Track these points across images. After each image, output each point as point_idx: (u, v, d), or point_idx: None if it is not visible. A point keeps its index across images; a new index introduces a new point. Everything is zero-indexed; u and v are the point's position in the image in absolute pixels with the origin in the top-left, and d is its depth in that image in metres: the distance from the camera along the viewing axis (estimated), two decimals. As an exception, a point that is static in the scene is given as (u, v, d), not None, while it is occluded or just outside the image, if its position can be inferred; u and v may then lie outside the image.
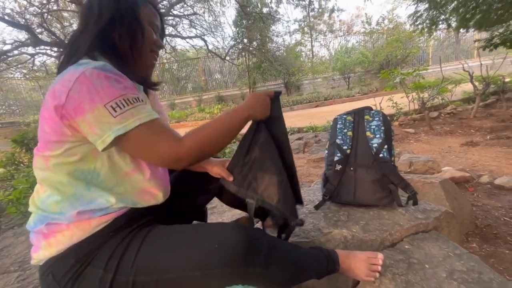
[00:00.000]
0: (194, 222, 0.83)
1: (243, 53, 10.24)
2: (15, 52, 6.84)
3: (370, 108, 0.99)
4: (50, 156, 0.54)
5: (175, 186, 0.76)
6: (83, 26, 0.61)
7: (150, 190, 0.63)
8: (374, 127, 0.93)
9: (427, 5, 4.99)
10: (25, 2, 6.04)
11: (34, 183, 1.49)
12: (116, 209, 0.59)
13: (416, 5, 5.28)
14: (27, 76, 10.25)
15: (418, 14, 5.23)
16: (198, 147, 0.56)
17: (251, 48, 9.80)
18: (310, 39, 13.23)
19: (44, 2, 6.21)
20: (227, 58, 9.69)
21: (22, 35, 7.10)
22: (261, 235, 0.60)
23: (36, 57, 7.69)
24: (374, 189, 0.89)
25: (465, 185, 1.77)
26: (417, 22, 5.30)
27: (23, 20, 6.24)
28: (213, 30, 9.13)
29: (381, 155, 0.89)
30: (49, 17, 6.29)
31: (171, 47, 9.82)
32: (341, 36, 13.85)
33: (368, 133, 0.93)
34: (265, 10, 9.25)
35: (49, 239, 0.55)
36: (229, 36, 9.95)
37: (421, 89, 4.00)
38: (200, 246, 0.55)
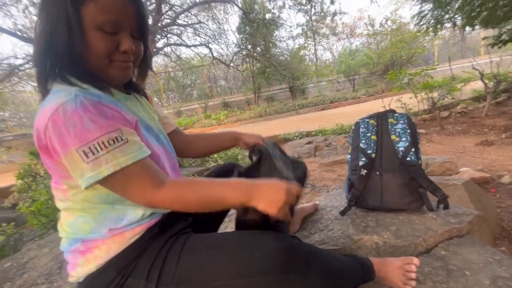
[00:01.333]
0: (223, 227, 0.83)
1: (247, 59, 10.32)
2: (26, 66, 7.02)
3: (393, 111, 0.98)
4: (65, 189, 0.54)
5: None
6: (37, 32, 0.53)
7: None
8: (399, 130, 0.91)
9: (431, 5, 4.97)
10: (35, 18, 6.23)
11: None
12: (147, 219, 0.59)
13: (420, 6, 5.27)
14: (37, 89, 10.47)
15: (423, 14, 5.21)
16: (172, 204, 0.53)
17: (255, 54, 9.88)
18: (313, 43, 13.27)
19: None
20: (232, 64, 9.78)
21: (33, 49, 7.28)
22: (299, 242, 0.60)
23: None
24: (403, 193, 0.87)
25: (486, 186, 1.73)
26: (422, 22, 5.28)
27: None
28: (217, 37, 9.27)
29: (408, 158, 0.87)
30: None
31: (176, 56, 9.97)
32: (344, 38, 13.86)
33: (393, 137, 0.91)
34: (268, 16, 9.34)
35: (86, 255, 0.55)
36: (233, 43, 10.06)
37: (430, 89, 3.95)
38: (241, 254, 0.54)
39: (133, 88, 0.67)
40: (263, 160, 0.71)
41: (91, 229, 0.55)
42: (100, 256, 0.55)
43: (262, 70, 10.35)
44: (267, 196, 0.52)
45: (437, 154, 2.62)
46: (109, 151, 0.46)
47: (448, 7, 4.64)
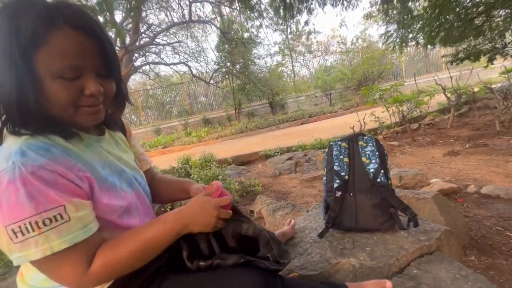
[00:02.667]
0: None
1: (227, 76, 10.49)
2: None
3: (363, 134, 1.03)
4: None
5: None
6: None
7: None
8: (369, 152, 0.96)
9: (396, 26, 5.41)
10: None
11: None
12: None
13: (386, 26, 5.71)
14: None
15: (389, 34, 5.65)
16: (106, 279, 0.50)
17: (234, 71, 10.07)
18: (290, 60, 13.79)
19: None
20: (211, 81, 9.87)
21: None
22: (274, 276, 0.60)
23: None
24: (375, 213, 0.91)
25: (454, 196, 1.83)
26: (388, 41, 5.71)
27: None
28: (196, 55, 9.38)
29: (378, 179, 0.91)
30: None
31: (155, 74, 9.92)
32: (319, 56, 14.58)
33: (364, 159, 0.96)
34: (246, 35, 9.64)
35: None
36: (213, 61, 10.24)
37: (400, 103, 4.22)
38: None
39: (107, 124, 0.64)
40: None
41: (51, 284, 0.51)
42: None
43: (242, 87, 10.53)
44: (199, 218, 0.54)
45: (409, 165, 2.76)
46: (42, 232, 0.41)
47: (410, 28, 5.07)
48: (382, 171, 0.92)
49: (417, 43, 5.28)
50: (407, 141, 3.69)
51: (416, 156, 3.07)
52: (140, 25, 6.12)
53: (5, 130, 0.47)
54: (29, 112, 0.45)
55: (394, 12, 5.21)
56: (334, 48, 16.28)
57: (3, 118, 0.47)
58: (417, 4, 5.33)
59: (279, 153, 4.02)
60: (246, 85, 10.35)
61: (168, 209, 2.02)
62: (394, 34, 5.54)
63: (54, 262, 0.44)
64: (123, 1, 5.33)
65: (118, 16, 5.17)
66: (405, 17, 4.82)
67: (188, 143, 8.19)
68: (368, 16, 5.69)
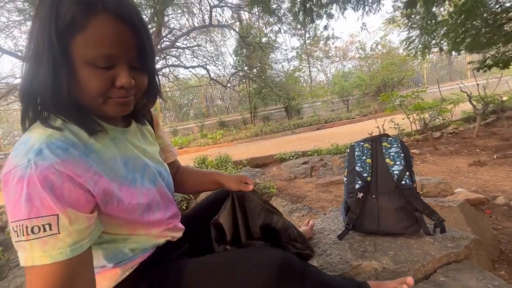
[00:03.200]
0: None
1: (244, 80, 10.59)
2: (24, 85, 7.09)
3: (387, 135, 1.01)
4: None
5: (195, 215, 0.76)
6: (25, 66, 0.46)
7: (165, 235, 0.62)
8: (393, 153, 0.94)
9: (418, 31, 5.27)
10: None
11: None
12: (140, 254, 0.57)
13: (408, 31, 5.58)
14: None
15: (411, 39, 5.51)
16: None
17: (251, 75, 10.16)
18: (307, 65, 13.74)
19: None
20: (229, 85, 10.00)
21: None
22: (293, 256, 0.59)
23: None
24: (399, 217, 0.88)
25: (481, 208, 1.74)
26: (410, 47, 5.57)
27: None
28: (214, 59, 9.55)
29: (403, 182, 0.89)
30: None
31: (174, 77, 10.18)
32: (337, 61, 14.41)
33: (387, 160, 0.93)
34: (264, 39, 9.73)
35: None
36: (230, 64, 10.36)
37: (422, 110, 4.08)
38: (239, 272, 0.54)
39: (135, 116, 0.63)
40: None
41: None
42: None
43: (258, 91, 10.60)
44: None
45: (431, 174, 2.65)
46: (29, 239, 0.39)
47: (434, 34, 4.92)
48: (407, 173, 0.89)
49: (441, 50, 5.10)
50: (428, 150, 3.55)
51: (439, 165, 2.94)
52: (162, 29, 6.34)
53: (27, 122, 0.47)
54: (61, 97, 0.45)
55: (417, 17, 5.08)
56: (352, 53, 16.06)
57: (38, 105, 0.47)
58: (442, 9, 5.18)
59: (294, 157, 3.99)
60: (262, 89, 10.40)
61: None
62: (416, 40, 5.40)
63: (31, 275, 0.40)
64: (148, 7, 5.56)
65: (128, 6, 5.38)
66: (429, 22, 4.68)
67: (204, 145, 8.32)
68: (390, 21, 5.57)
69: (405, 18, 4.80)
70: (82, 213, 0.43)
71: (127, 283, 0.54)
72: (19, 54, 5.91)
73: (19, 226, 0.39)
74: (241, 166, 3.46)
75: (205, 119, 11.59)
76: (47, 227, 0.39)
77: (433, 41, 5.10)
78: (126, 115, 0.57)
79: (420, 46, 5.37)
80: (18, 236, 0.39)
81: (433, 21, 4.62)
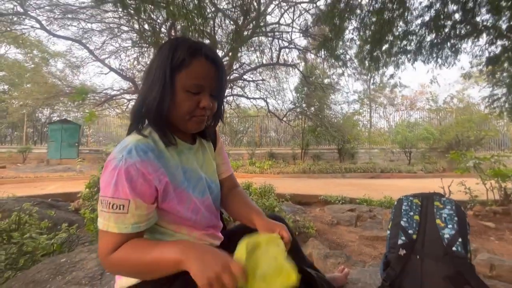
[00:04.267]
0: None
1: (300, 116, 10.79)
2: (118, 97, 8.64)
3: (440, 195, 0.94)
4: None
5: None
6: (140, 90, 0.67)
7: (204, 240, 0.72)
8: (445, 215, 0.87)
9: (505, 90, 4.72)
10: (134, 62, 7.90)
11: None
12: None
13: (492, 88, 5.04)
14: (119, 115, 12.59)
15: (495, 97, 4.94)
16: (115, 270, 0.60)
17: (308, 113, 10.31)
18: (369, 110, 13.31)
19: (147, 62, 7.98)
20: (285, 119, 10.31)
21: (127, 85, 9.10)
22: None
23: (131, 101, 9.57)
24: (446, 287, 0.79)
25: None
26: (494, 105, 4.98)
27: (131, 74, 8.04)
28: (275, 93, 10.10)
29: (454, 248, 0.80)
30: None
31: (236, 105, 11.04)
32: (402, 110, 13.60)
33: (438, 221, 0.87)
34: (326, 80, 9.94)
35: None
36: (289, 100, 10.75)
37: (503, 178, 3.49)
38: None
39: (203, 134, 0.78)
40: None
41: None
42: None
43: (313, 128, 10.61)
44: (202, 260, 0.50)
45: (508, 256, 2.21)
46: (109, 212, 0.55)
47: (525, 94, 4.34)
48: (460, 239, 0.81)
49: (534, 112, 4.43)
50: (509, 226, 2.98)
51: (520, 247, 2.44)
52: (234, 62, 7.13)
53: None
54: (160, 114, 0.63)
55: (504, 74, 4.58)
56: (421, 104, 15.00)
57: (141, 118, 0.66)
58: (537, 68, 4.59)
59: (341, 202, 3.79)
60: (317, 127, 10.38)
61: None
62: (503, 99, 4.81)
63: (102, 235, 0.58)
64: (226, 43, 6.38)
65: (220, 54, 6.18)
66: (519, 81, 4.18)
67: (251, 172, 8.53)
68: (467, 76, 5.15)
69: (487, 74, 4.39)
70: (145, 203, 0.58)
71: (165, 277, 0.62)
72: (120, 72, 7.35)
73: (106, 200, 0.55)
74: (283, 200, 3.44)
75: (256, 147, 11.99)
76: (121, 207, 0.55)
77: (524, 102, 4.48)
78: (194, 134, 0.75)
79: (507, 105, 4.77)
80: (103, 207, 0.56)
81: (525, 81, 4.12)
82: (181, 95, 0.62)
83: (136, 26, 5.51)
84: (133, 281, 0.64)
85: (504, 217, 3.28)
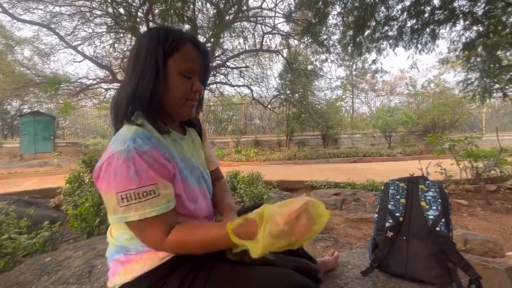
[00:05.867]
0: None
1: (285, 103, 10.81)
2: (95, 86, 8.20)
3: (425, 178, 0.99)
4: None
5: None
6: (125, 79, 0.65)
7: None
8: (430, 198, 0.91)
9: (478, 74, 4.94)
10: (110, 49, 7.47)
11: (97, 203, 1.68)
12: None
13: (466, 73, 5.25)
14: (97, 106, 12.00)
15: (469, 81, 5.16)
16: (176, 251, 0.61)
17: (292, 99, 10.34)
18: (351, 96, 13.56)
19: (125, 49, 7.58)
20: (269, 106, 10.29)
21: (103, 73, 8.62)
22: (311, 284, 0.62)
23: (108, 91, 9.12)
24: (429, 264, 0.83)
25: (538, 278, 1.51)
26: (467, 89, 5.20)
27: (107, 62, 7.61)
28: (259, 80, 10.00)
29: (437, 228, 0.85)
30: (124, 60, 7.57)
31: (220, 93, 10.84)
32: (383, 95, 13.97)
33: (423, 203, 0.91)
34: (309, 67, 9.95)
35: (125, 266, 0.63)
36: (273, 87, 10.70)
37: (475, 158, 3.72)
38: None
39: (190, 123, 0.80)
40: None
41: (132, 243, 0.64)
42: (136, 269, 0.62)
43: (297, 115, 10.70)
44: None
45: (479, 230, 2.39)
46: (140, 201, 0.55)
47: (497, 78, 4.56)
48: (443, 220, 0.85)
49: (505, 95, 4.69)
50: (479, 203, 3.20)
51: (490, 222, 2.64)
52: (216, 49, 6.93)
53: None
54: (153, 102, 0.63)
55: (478, 59, 4.78)
56: (401, 89, 15.45)
57: (129, 110, 0.63)
58: (508, 53, 4.81)
59: (326, 187, 3.90)
60: (301, 114, 10.48)
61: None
62: (476, 83, 5.04)
63: (143, 225, 0.57)
64: (208, 29, 6.17)
65: (201, 40, 5.97)
66: (492, 66, 4.38)
67: (237, 160, 8.53)
68: (444, 61, 5.33)
69: (462, 59, 4.56)
70: (168, 181, 0.60)
71: (164, 268, 0.62)
72: (96, 60, 6.93)
73: (131, 193, 0.54)
74: (270, 187, 3.49)
75: (241, 135, 11.95)
76: (151, 192, 0.56)
77: (496, 85, 4.72)
78: (182, 125, 0.77)
79: (479, 89, 5.00)
80: (128, 201, 0.54)
81: (497, 65, 4.31)
82: (175, 79, 0.64)
83: (110, 10, 5.16)
84: (128, 277, 0.62)
85: (475, 195, 3.53)
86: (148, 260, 0.63)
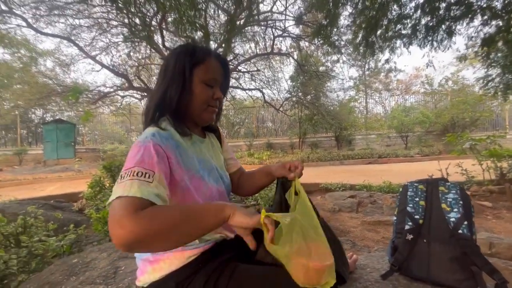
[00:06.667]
0: None
1: (297, 105, 10.76)
2: (112, 93, 8.51)
3: (445, 180, 0.97)
4: None
5: None
6: (155, 89, 0.73)
7: (221, 231, 0.74)
8: (450, 200, 0.89)
9: (499, 70, 4.73)
10: (126, 57, 7.74)
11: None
12: (203, 243, 0.69)
13: (486, 69, 5.04)
14: (114, 112, 12.44)
15: (490, 78, 4.95)
16: (148, 225, 0.47)
17: (304, 101, 10.28)
18: (364, 96, 13.31)
19: (140, 57, 7.84)
20: (281, 109, 10.28)
21: (119, 81, 8.94)
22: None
23: (125, 98, 9.44)
24: (453, 268, 0.81)
25: None
26: (488, 86, 4.99)
27: (123, 70, 7.89)
28: (270, 83, 10.02)
29: (460, 231, 0.83)
30: (140, 68, 7.82)
31: (232, 97, 10.94)
32: (398, 94, 13.62)
33: (443, 205, 0.89)
34: (321, 68, 9.87)
35: (154, 265, 0.67)
36: (285, 89, 10.68)
37: (499, 158, 3.56)
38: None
39: (210, 129, 0.86)
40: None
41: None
42: (164, 268, 0.66)
43: (309, 117, 10.61)
44: (244, 210, 0.54)
45: (506, 234, 2.28)
46: (132, 179, 0.52)
47: (520, 73, 4.36)
48: (466, 222, 0.83)
49: (530, 92, 4.47)
50: (505, 205, 3.06)
51: (517, 224, 2.51)
52: (228, 54, 7.02)
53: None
54: (178, 107, 0.70)
55: (499, 54, 4.58)
56: (416, 88, 15.01)
57: (157, 115, 0.70)
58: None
59: (341, 189, 3.84)
60: (314, 115, 10.39)
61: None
62: (497, 79, 4.83)
63: (118, 202, 0.49)
64: (219, 34, 6.26)
65: (212, 46, 6.07)
66: (514, 61, 4.19)
67: (250, 163, 8.56)
68: (462, 58, 5.14)
69: (481, 56, 4.39)
70: (166, 181, 0.58)
71: (190, 267, 0.65)
72: (113, 68, 7.21)
73: (128, 171, 0.54)
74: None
75: (254, 139, 11.98)
76: (146, 175, 0.54)
77: (519, 81, 4.51)
78: (203, 130, 0.83)
79: (501, 85, 4.79)
80: (123, 178, 0.53)
81: (520, 60, 4.12)
82: (200, 87, 0.71)
83: (126, 20, 5.37)
84: (156, 276, 0.65)
85: (500, 196, 3.37)
86: (174, 259, 0.66)
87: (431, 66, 4.35)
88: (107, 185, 2.63)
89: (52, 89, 8.62)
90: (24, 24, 5.39)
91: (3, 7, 4.88)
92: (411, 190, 0.98)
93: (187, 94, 0.70)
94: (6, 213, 2.13)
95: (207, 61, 0.72)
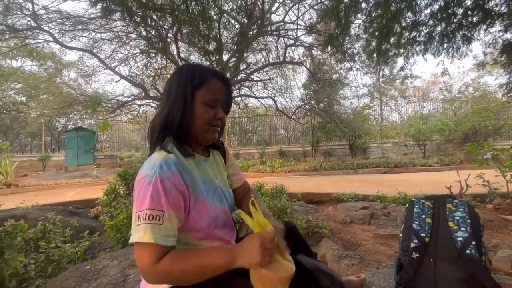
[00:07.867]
0: None
1: (309, 113, 10.71)
2: (129, 103, 8.87)
3: (453, 197, 0.94)
4: None
5: None
6: (159, 109, 0.75)
7: None
8: (458, 218, 0.86)
9: (523, 76, 4.52)
10: (143, 68, 8.07)
11: (131, 215, 1.81)
12: None
13: (508, 75, 4.83)
14: (131, 121, 12.91)
15: (512, 84, 4.73)
16: (167, 277, 0.60)
17: (317, 109, 10.22)
18: (379, 103, 13.06)
19: (156, 67, 8.14)
20: (294, 116, 10.26)
21: (137, 90, 9.31)
22: None
23: (141, 107, 9.79)
24: (461, 290, 0.79)
25: None
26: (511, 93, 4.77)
27: (140, 80, 8.22)
28: (283, 91, 10.06)
29: (468, 251, 0.80)
30: (156, 78, 8.11)
31: (244, 105, 11.07)
32: (415, 102, 13.24)
33: (451, 224, 0.86)
34: (334, 76, 9.81)
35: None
36: (298, 97, 10.67)
37: (524, 169, 3.36)
38: None
39: (214, 146, 0.87)
40: None
41: None
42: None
43: (322, 125, 10.52)
44: (246, 250, 0.59)
45: (531, 251, 2.13)
46: (146, 223, 0.59)
47: (545, 80, 4.14)
48: (474, 242, 0.80)
49: (556, 99, 4.23)
50: (530, 219, 2.87)
51: (544, 241, 2.35)
52: (240, 63, 7.15)
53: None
54: (181, 128, 0.72)
55: (522, 60, 4.38)
56: (434, 95, 14.55)
57: (161, 136, 0.72)
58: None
59: (353, 200, 3.76)
60: (327, 123, 10.29)
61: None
62: (520, 85, 4.61)
63: (139, 249, 0.60)
64: (233, 44, 6.41)
65: (225, 56, 6.22)
66: (538, 67, 4.00)
67: (262, 171, 8.56)
68: (480, 66, 4.96)
69: (501, 63, 4.21)
70: (177, 214, 0.63)
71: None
72: (131, 79, 7.53)
73: (143, 213, 0.59)
74: (295, 199, 3.45)
75: (266, 146, 12.00)
76: (157, 218, 0.59)
77: (545, 88, 4.28)
78: (207, 149, 0.84)
79: (526, 92, 4.57)
80: (140, 220, 0.59)
81: (545, 66, 3.93)
82: (201, 108, 0.72)
83: (144, 33, 5.63)
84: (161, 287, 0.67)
85: (526, 210, 3.16)
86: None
87: (446, 75, 4.22)
88: (121, 192, 2.73)
89: (75, 99, 9.11)
90: (51, 39, 5.78)
91: (33, 24, 5.26)
92: (417, 206, 0.96)
93: (189, 115, 0.71)
94: (28, 218, 2.26)
95: (208, 83, 0.73)
